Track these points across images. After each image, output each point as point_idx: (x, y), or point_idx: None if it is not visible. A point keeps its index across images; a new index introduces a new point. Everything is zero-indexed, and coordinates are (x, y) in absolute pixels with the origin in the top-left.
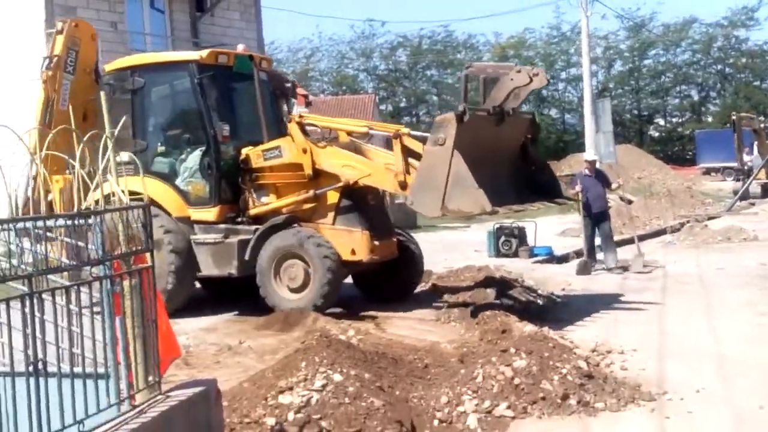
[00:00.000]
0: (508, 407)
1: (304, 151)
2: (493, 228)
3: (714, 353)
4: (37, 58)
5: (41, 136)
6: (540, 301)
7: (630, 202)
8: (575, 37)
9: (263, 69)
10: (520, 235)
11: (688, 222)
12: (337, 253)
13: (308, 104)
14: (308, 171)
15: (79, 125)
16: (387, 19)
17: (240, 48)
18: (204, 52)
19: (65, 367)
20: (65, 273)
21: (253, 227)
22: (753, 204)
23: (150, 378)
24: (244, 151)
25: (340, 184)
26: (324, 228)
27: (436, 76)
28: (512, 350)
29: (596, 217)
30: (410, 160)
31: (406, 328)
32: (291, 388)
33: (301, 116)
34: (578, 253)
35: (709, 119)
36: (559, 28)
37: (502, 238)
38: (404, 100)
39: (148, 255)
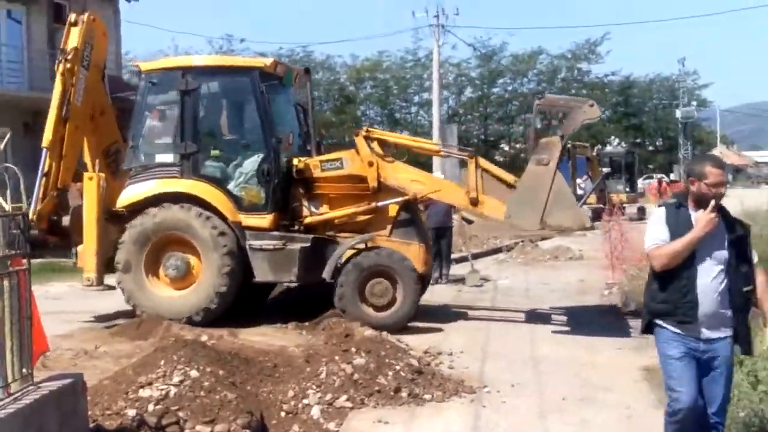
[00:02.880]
0: (348, 399)
1: (370, 164)
2: None
3: (531, 355)
4: None
5: (56, 132)
6: None
7: (470, 222)
8: (429, 63)
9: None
10: None
11: (522, 241)
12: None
13: None
14: (373, 183)
15: (88, 123)
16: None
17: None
18: (268, 61)
19: None
20: None
21: (310, 236)
22: None
23: (24, 370)
24: (302, 160)
25: (406, 197)
26: (380, 240)
27: None
28: (353, 350)
29: (435, 233)
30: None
31: (256, 335)
32: (150, 383)
33: (368, 130)
34: None
35: None
36: (415, 53)
37: None
38: None
39: (24, 259)
